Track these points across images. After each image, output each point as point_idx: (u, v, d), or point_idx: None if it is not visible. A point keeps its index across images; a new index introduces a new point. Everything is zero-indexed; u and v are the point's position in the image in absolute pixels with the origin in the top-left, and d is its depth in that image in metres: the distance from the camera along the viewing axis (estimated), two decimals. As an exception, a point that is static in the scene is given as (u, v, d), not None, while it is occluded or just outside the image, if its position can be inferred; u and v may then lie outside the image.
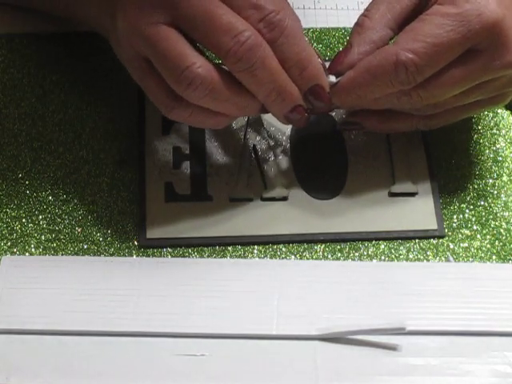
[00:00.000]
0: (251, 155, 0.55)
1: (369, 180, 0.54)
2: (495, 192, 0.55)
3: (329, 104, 0.48)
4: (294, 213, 0.53)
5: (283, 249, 0.52)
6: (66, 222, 0.52)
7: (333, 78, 0.48)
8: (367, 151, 0.55)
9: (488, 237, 0.53)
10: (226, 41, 0.44)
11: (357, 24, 0.49)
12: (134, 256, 0.51)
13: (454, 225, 0.53)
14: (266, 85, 0.45)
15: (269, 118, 0.54)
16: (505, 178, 0.55)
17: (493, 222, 0.54)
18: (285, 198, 0.53)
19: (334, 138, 0.56)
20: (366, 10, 0.49)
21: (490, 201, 0.54)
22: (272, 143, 0.55)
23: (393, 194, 0.54)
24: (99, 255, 0.51)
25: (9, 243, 0.51)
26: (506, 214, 0.54)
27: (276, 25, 0.44)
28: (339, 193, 0.54)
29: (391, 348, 0.46)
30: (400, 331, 0.45)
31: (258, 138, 0.55)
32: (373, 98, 0.48)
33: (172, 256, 0.51)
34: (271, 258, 0.52)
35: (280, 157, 0.55)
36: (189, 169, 0.54)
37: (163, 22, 0.44)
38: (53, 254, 0.51)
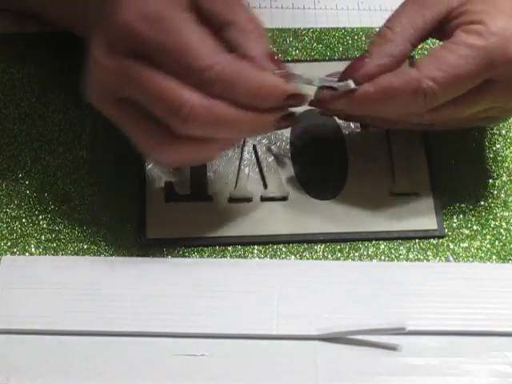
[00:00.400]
0: (251, 155, 0.55)
1: (369, 180, 0.54)
2: (495, 192, 0.55)
3: (304, 100, 0.47)
4: (294, 213, 0.53)
5: (283, 249, 0.52)
6: (66, 222, 0.52)
7: (351, 84, 0.47)
8: (367, 152, 0.55)
9: (488, 237, 0.53)
10: (173, 119, 0.43)
11: (378, 34, 0.48)
12: (134, 256, 0.51)
13: (454, 225, 0.53)
14: (236, 132, 0.46)
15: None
16: (505, 178, 0.55)
17: (493, 222, 0.53)
18: (285, 198, 0.53)
19: (334, 138, 0.56)
20: (388, 21, 0.48)
21: (489, 201, 0.54)
22: (272, 143, 0.55)
23: (393, 194, 0.54)
24: (99, 255, 0.51)
25: (9, 243, 0.51)
26: (506, 213, 0.54)
27: (215, 80, 0.43)
28: (339, 193, 0.54)
29: (391, 348, 0.46)
30: (400, 331, 0.45)
31: (257, 138, 0.55)
32: (383, 113, 0.48)
33: (172, 256, 0.51)
34: (271, 258, 0.52)
35: (280, 157, 0.55)
36: (189, 169, 0.54)
37: (118, 100, 0.45)
38: (53, 254, 0.51)
